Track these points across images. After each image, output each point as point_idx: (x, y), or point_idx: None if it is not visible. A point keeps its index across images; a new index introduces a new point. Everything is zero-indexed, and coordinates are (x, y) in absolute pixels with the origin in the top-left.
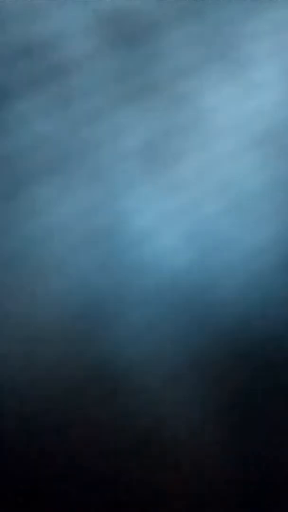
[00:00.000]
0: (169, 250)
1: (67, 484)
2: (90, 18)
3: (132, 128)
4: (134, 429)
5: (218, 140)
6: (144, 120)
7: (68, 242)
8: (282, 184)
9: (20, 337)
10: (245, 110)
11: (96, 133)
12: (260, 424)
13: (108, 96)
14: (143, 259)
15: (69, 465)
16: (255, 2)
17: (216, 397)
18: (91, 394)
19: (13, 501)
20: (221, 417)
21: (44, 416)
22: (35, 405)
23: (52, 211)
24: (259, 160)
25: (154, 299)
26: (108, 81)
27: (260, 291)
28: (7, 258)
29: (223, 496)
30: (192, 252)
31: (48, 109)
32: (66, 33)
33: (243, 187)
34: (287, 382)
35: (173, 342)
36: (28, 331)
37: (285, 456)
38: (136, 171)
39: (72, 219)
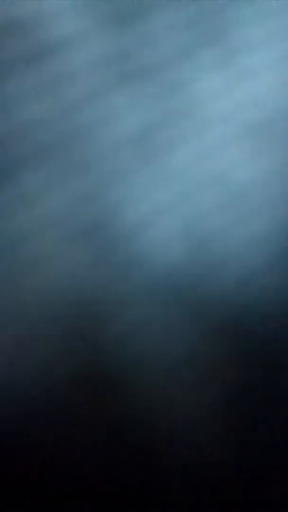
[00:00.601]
0: (163, 243)
1: (59, 483)
2: None
3: (124, 114)
4: (133, 429)
5: (211, 129)
6: (136, 106)
7: (58, 235)
8: (275, 174)
9: (10, 333)
10: (238, 98)
11: (87, 119)
12: (260, 419)
13: (99, 79)
14: (135, 252)
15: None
16: None
17: (214, 392)
18: (84, 392)
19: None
20: (219, 410)
21: (35, 415)
22: (26, 405)
23: (41, 202)
24: (252, 150)
25: (148, 293)
26: (100, 64)
27: (255, 282)
28: None
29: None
30: (185, 245)
31: (37, 92)
32: (56, 12)
33: (236, 178)
34: (285, 375)
35: (168, 337)
36: (18, 328)
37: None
38: (128, 160)
39: (61, 211)
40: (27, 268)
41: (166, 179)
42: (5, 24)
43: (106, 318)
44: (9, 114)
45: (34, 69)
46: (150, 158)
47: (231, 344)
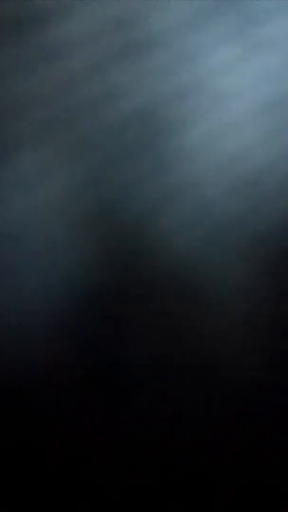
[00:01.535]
0: (172, 230)
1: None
2: None
3: (129, 89)
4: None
5: (224, 106)
6: (143, 80)
7: (60, 223)
8: None
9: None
10: (253, 71)
11: (90, 95)
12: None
13: (102, 50)
14: (143, 240)
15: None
16: None
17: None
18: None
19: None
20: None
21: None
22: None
23: (41, 187)
24: (267, 129)
25: (156, 286)
26: (102, 33)
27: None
28: None
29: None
30: (196, 234)
31: (33, 66)
32: None
33: (250, 160)
34: None
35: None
36: (6, 331)
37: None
38: (135, 140)
39: (63, 196)
40: (28, 259)
41: (173, 164)
42: None
43: (108, 313)
44: (1, 89)
45: (28, 39)
46: (159, 138)
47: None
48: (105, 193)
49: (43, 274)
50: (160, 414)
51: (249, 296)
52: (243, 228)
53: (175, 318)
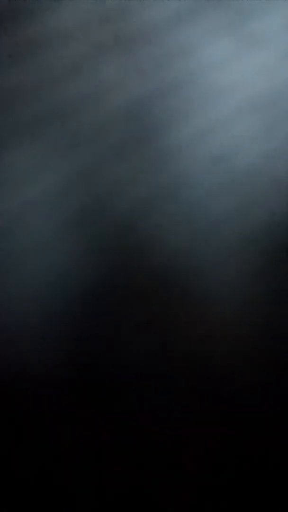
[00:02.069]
0: (163, 229)
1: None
2: None
3: (119, 84)
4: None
5: (216, 101)
6: (133, 75)
7: (49, 222)
8: (283, 153)
9: None
10: (246, 66)
11: (78, 89)
12: None
13: (90, 43)
14: (134, 239)
15: None
16: None
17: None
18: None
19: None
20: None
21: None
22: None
23: (30, 184)
24: (260, 125)
25: (147, 286)
26: (91, 25)
27: (260, 271)
28: None
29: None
30: (187, 231)
31: (17, 59)
32: None
33: (241, 157)
34: None
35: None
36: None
37: None
38: (125, 136)
39: (52, 194)
40: (19, 256)
41: (163, 160)
42: None
43: (102, 310)
44: None
45: (12, 31)
46: (149, 133)
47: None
48: (95, 190)
49: (34, 272)
50: (157, 414)
51: (241, 294)
52: (235, 225)
53: (167, 317)
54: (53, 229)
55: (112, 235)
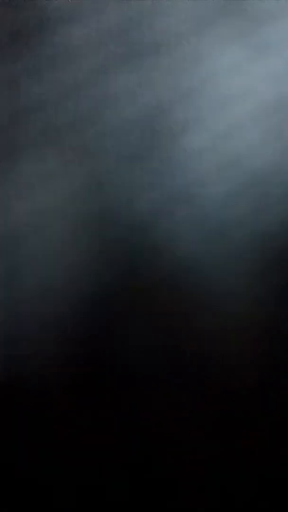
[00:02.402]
0: (177, 234)
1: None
2: None
3: (133, 93)
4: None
5: (228, 108)
6: (146, 84)
7: (62, 229)
8: None
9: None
10: (258, 73)
11: (93, 100)
12: None
13: (105, 55)
14: (147, 245)
15: None
16: None
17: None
18: None
19: None
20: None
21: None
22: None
23: (44, 192)
24: (272, 131)
25: (158, 288)
26: (106, 38)
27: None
28: None
29: None
30: (201, 236)
31: (36, 72)
32: None
33: (254, 162)
34: None
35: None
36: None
37: None
38: (138, 144)
39: (66, 201)
40: (27, 265)
41: (177, 166)
42: None
43: (115, 311)
44: (5, 97)
45: (32, 45)
46: (163, 141)
47: None
48: (109, 197)
49: (46, 277)
50: (158, 414)
51: (252, 298)
52: (247, 230)
53: (179, 318)
54: (68, 234)
55: (126, 240)
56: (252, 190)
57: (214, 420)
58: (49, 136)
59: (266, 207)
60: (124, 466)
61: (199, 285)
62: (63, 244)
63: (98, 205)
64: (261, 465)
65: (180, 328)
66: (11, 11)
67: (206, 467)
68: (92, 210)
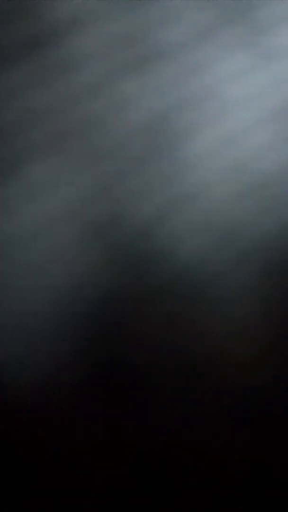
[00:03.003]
0: (181, 237)
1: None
2: None
3: (139, 99)
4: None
5: (232, 114)
6: (152, 90)
7: (68, 232)
8: None
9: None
10: (262, 80)
11: (100, 106)
12: None
13: (112, 63)
14: (153, 248)
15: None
16: None
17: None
18: None
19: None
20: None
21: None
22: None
23: (51, 196)
24: (276, 136)
25: (167, 293)
26: (112, 46)
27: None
28: None
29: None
30: (206, 240)
31: (44, 79)
32: None
33: (258, 167)
34: None
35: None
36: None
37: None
38: (144, 149)
39: (72, 205)
40: (35, 269)
41: (183, 171)
42: (7, 8)
43: (121, 318)
44: (15, 103)
45: (40, 54)
46: (168, 146)
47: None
48: (117, 200)
49: (52, 281)
50: (162, 415)
51: (258, 300)
52: (252, 234)
53: (186, 320)
54: (75, 238)
55: (132, 243)
56: (257, 194)
57: (222, 419)
58: (56, 142)
59: (271, 210)
60: (132, 465)
61: (207, 287)
62: (71, 247)
63: (106, 209)
64: (265, 465)
65: (187, 329)
66: (22, 22)
67: (216, 466)
68: (99, 215)
